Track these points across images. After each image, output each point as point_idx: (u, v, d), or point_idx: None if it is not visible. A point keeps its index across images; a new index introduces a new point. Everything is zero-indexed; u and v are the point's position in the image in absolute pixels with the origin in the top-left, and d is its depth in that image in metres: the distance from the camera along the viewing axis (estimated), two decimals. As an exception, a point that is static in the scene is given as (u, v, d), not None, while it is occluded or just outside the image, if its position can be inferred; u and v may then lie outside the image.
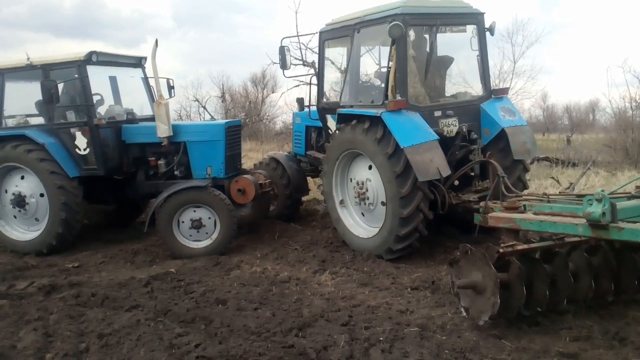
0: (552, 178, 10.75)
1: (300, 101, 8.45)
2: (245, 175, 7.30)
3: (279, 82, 28.38)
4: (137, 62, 8.25)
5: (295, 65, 13.69)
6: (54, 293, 5.44)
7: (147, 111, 8.35)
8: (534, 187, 9.92)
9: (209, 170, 7.17)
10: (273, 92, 29.10)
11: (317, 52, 7.49)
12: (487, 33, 6.58)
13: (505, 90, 6.99)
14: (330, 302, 4.94)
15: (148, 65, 7.93)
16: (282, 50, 7.30)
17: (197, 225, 6.83)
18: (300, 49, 13.89)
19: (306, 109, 8.08)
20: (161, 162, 7.43)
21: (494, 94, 6.70)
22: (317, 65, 7.56)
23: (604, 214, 3.58)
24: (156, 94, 7.27)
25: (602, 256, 4.34)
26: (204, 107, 26.95)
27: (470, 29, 6.59)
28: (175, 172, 7.44)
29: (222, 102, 27.62)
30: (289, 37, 7.61)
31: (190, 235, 6.90)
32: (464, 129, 6.33)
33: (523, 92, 21.99)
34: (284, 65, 7.38)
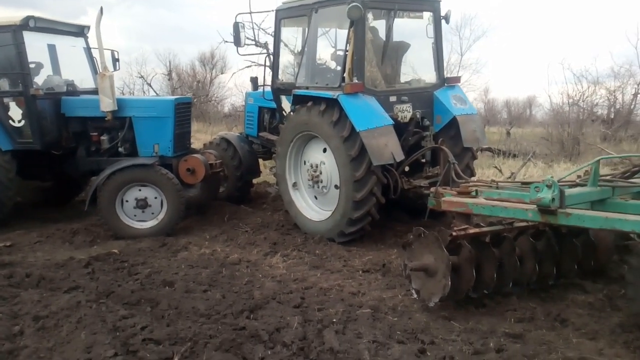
0: (495, 167, 11.14)
1: (254, 80, 8.27)
2: (195, 155, 7.06)
3: (229, 63, 27.72)
4: (80, 31, 7.75)
5: (248, 45, 13.35)
6: (-18, 273, 5.04)
7: (88, 84, 7.87)
8: (479, 175, 10.25)
9: (156, 148, 6.87)
10: (222, 73, 28.37)
11: (273, 31, 7.29)
12: (443, 21, 6.64)
13: (457, 79, 7.14)
14: (282, 284, 4.87)
15: (92, 35, 7.48)
16: (237, 27, 7.08)
17: (142, 205, 6.55)
18: (253, 28, 13.53)
19: (260, 89, 7.87)
20: (104, 137, 7.05)
21: (447, 82, 6.79)
22: (272, 45, 7.35)
23: (553, 199, 3.69)
24: (100, 65, 6.85)
25: (546, 241, 4.51)
26: (149, 85, 25.92)
27: (427, 16, 6.64)
28: (120, 149, 7.08)
29: (169, 80, 26.65)
30: (244, 13, 7.26)
31: (135, 215, 6.61)
32: (418, 116, 6.38)
33: (468, 85, 22.62)
34: (237, 43, 7.18)
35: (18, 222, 7.16)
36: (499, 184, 4.92)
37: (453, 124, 6.41)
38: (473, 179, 6.47)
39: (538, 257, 4.40)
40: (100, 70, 6.77)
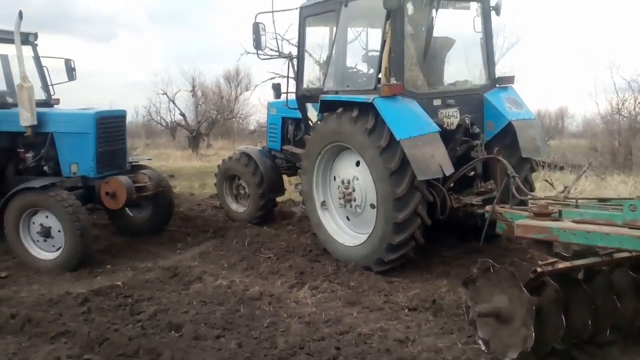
0: (546, 181, 10.04)
1: (276, 88, 7.34)
2: (117, 177, 6.08)
3: (253, 81, 27.31)
4: (25, 39, 6.86)
5: (269, 58, 12.64)
6: (-36, 313, 4.33)
7: (38, 95, 7.21)
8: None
9: (73, 168, 6.11)
10: (247, 90, 27.97)
11: (297, 37, 6.44)
12: (493, 13, 5.77)
13: (511, 79, 6.03)
14: (312, 327, 4.00)
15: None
16: (257, 28, 6.28)
17: (44, 233, 5.72)
18: (275, 38, 12.86)
19: (283, 97, 7.00)
20: (29, 154, 6.38)
21: (499, 82, 5.86)
22: (297, 48, 6.49)
23: None
24: (20, 75, 5.99)
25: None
26: (173, 102, 25.68)
27: (474, 7, 5.76)
28: (45, 168, 6.38)
29: (192, 96, 26.36)
30: (264, 12, 6.53)
31: (39, 244, 5.82)
32: (467, 121, 5.45)
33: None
34: (258, 45, 6.37)
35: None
36: (577, 201, 4.02)
37: (508, 130, 5.49)
38: (533, 195, 5.45)
39: (640, 295, 3.41)
40: (20, 82, 5.95)
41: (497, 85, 5.85)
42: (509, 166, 4.76)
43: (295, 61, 6.55)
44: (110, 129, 6.28)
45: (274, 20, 6.84)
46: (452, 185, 5.47)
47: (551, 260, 3.25)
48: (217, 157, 18.61)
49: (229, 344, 3.68)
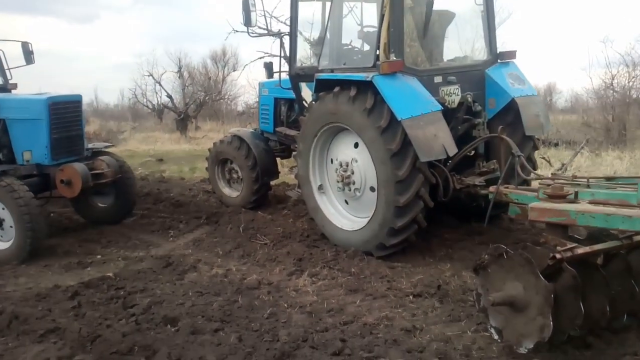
0: (543, 158, 9.93)
1: (268, 67, 7.06)
2: (73, 163, 5.86)
3: (241, 61, 26.69)
4: None
5: (259, 35, 12.28)
6: (-54, 311, 4.10)
7: None
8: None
9: (26, 155, 5.87)
10: (235, 71, 27.36)
11: (290, 7, 6.05)
12: None
13: (512, 54, 5.70)
14: (314, 317, 3.84)
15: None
16: (247, 3, 5.97)
17: None
18: (264, 16, 12.44)
19: (275, 77, 6.69)
20: None
21: (500, 57, 5.62)
22: (289, 25, 6.13)
23: None
24: None
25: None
26: (159, 84, 25.11)
27: None
28: None
29: (179, 78, 25.78)
30: None
31: None
32: (469, 99, 5.22)
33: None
34: (248, 22, 6.04)
35: None
36: (588, 181, 3.85)
37: (511, 108, 5.31)
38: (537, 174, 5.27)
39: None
40: None
41: (498, 61, 5.62)
42: (514, 145, 4.59)
43: (287, 39, 6.23)
44: (64, 114, 6.04)
45: (263, 8, 6.49)
46: (453, 165, 5.25)
47: (570, 245, 3.07)
48: (207, 139, 18.24)
49: (229, 337, 3.50)
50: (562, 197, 3.43)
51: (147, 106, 28.58)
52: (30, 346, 3.35)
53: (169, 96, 25.51)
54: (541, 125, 5.36)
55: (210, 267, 5.09)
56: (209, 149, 7.60)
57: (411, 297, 4.15)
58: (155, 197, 8.09)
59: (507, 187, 4.43)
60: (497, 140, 5.03)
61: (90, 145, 6.66)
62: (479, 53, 5.72)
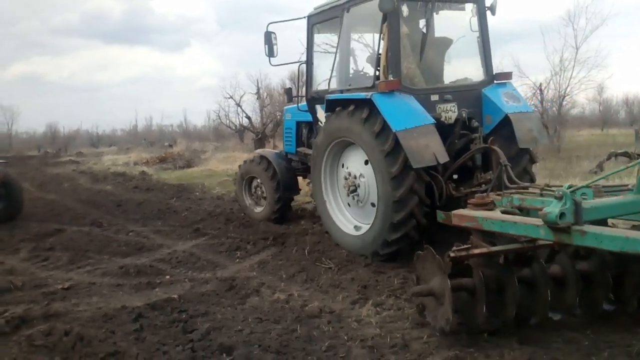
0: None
1: (288, 92, 7.91)
2: None
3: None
4: None
5: (281, 64, 12.50)
6: (22, 328, 4.28)
7: None
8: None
9: None
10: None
11: (306, 38, 6.90)
12: (488, 13, 6.09)
13: (508, 75, 6.26)
14: (375, 353, 3.55)
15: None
16: (269, 37, 6.83)
17: None
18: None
19: (295, 101, 7.53)
20: None
21: (497, 78, 6.15)
22: (306, 53, 6.97)
23: (562, 214, 3.07)
24: None
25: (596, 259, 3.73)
26: (239, 105, 26.01)
27: (470, 7, 6.09)
28: None
29: (257, 99, 26.58)
30: (276, 22, 7.01)
31: None
32: (464, 115, 5.73)
33: (587, 81, 19.64)
34: (270, 53, 6.92)
35: (85, 256, 6.56)
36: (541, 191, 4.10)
37: (506, 123, 5.73)
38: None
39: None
40: None
41: (495, 81, 6.09)
42: (502, 155, 5.07)
43: (304, 67, 7.02)
44: None
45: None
46: (455, 177, 5.79)
47: (467, 246, 3.62)
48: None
49: (283, 372, 3.31)
50: (482, 205, 3.96)
51: (230, 127, 29.77)
52: (88, 371, 3.36)
53: (248, 117, 26.35)
54: (534, 138, 5.72)
55: (273, 292, 4.96)
56: (239, 166, 8.37)
57: (486, 335, 3.72)
58: (227, 217, 8.20)
59: (497, 194, 4.46)
60: (491, 152, 5.40)
61: None
62: (476, 75, 6.19)
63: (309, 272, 5.39)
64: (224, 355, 3.63)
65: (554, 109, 20.15)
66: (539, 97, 20.03)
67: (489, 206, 3.98)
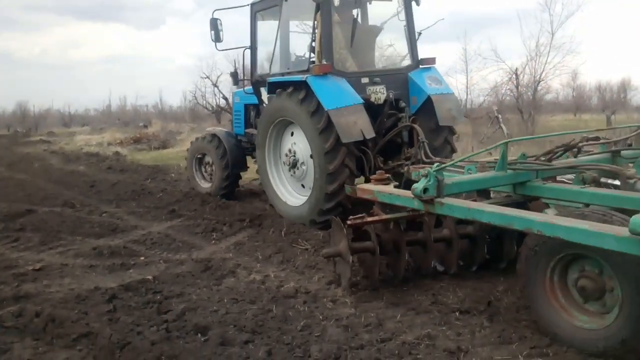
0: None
1: (234, 76, 8.45)
2: None
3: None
4: None
5: (226, 49, 12.58)
6: (-8, 310, 4.20)
7: None
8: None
9: None
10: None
11: (249, 25, 7.40)
12: (413, 3, 6.65)
13: (432, 60, 6.83)
14: (350, 332, 3.60)
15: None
16: (215, 23, 7.29)
17: None
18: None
19: (241, 84, 8.14)
20: None
21: (422, 63, 6.74)
22: (250, 40, 7.46)
23: (425, 189, 3.68)
24: None
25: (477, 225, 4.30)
26: (216, 86, 25.64)
27: None
28: None
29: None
30: (221, 9, 7.49)
31: None
32: (391, 96, 6.27)
33: (562, 67, 19.86)
34: (217, 39, 7.37)
35: (57, 237, 6.43)
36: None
37: (429, 103, 6.32)
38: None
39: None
40: None
41: (420, 66, 6.68)
42: (421, 132, 5.89)
43: (248, 52, 7.49)
44: None
45: None
46: (384, 151, 6.42)
47: (361, 215, 4.29)
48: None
49: (258, 351, 3.33)
50: (381, 180, 4.71)
51: (207, 108, 29.34)
52: (59, 352, 3.33)
53: (225, 98, 26.00)
54: (453, 117, 6.35)
55: (249, 273, 4.97)
56: (191, 142, 8.90)
57: (457, 313, 3.81)
58: (203, 199, 8.12)
59: (415, 168, 4.99)
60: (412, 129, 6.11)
61: None
62: (403, 60, 6.88)
63: (285, 254, 5.40)
64: (199, 335, 3.62)
65: (529, 93, 20.40)
66: (515, 82, 20.22)
67: (385, 181, 4.71)
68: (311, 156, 6.07)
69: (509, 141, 4.08)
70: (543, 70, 19.68)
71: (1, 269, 5.37)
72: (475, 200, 4.05)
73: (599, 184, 3.75)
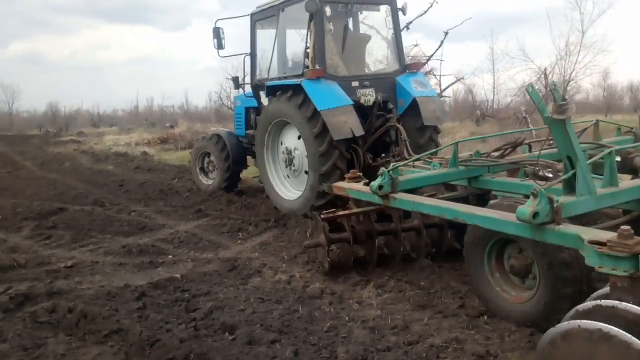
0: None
1: (235, 80, 8.94)
2: None
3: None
4: None
5: (229, 56, 12.97)
6: (26, 305, 4.32)
7: None
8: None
9: None
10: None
11: (249, 33, 7.93)
12: (400, 13, 7.17)
13: (418, 65, 7.64)
14: (376, 334, 3.58)
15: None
16: (217, 32, 7.85)
17: None
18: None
19: (242, 89, 8.75)
20: None
21: (408, 68, 7.28)
22: (250, 47, 8.01)
23: (380, 186, 4.12)
24: None
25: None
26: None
27: (384, 9, 7.27)
28: None
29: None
30: (223, 19, 8.15)
31: None
32: (380, 98, 6.76)
33: (593, 66, 19.43)
34: (219, 46, 7.94)
35: (88, 235, 6.59)
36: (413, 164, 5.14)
37: (415, 105, 6.80)
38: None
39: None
40: None
41: (407, 71, 7.22)
42: (404, 132, 6.49)
43: (248, 58, 8.08)
44: None
45: None
46: (374, 149, 6.93)
47: (333, 210, 4.87)
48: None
49: (285, 350, 3.34)
50: (354, 179, 5.03)
51: (231, 108, 29.56)
52: (91, 347, 3.40)
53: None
54: (437, 117, 6.87)
55: (275, 273, 5.00)
56: (195, 142, 9.53)
57: (485, 317, 3.76)
58: (228, 199, 8.21)
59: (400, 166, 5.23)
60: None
61: None
62: (390, 65, 7.47)
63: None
64: (227, 334, 3.66)
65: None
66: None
67: (357, 179, 5.03)
68: (306, 156, 6.52)
69: (459, 142, 4.59)
70: (573, 70, 19.35)
71: (35, 265, 5.52)
72: (443, 193, 4.73)
73: (541, 177, 3.94)
